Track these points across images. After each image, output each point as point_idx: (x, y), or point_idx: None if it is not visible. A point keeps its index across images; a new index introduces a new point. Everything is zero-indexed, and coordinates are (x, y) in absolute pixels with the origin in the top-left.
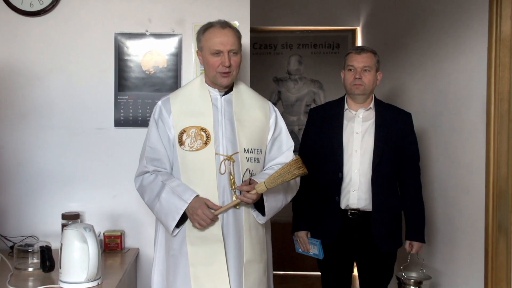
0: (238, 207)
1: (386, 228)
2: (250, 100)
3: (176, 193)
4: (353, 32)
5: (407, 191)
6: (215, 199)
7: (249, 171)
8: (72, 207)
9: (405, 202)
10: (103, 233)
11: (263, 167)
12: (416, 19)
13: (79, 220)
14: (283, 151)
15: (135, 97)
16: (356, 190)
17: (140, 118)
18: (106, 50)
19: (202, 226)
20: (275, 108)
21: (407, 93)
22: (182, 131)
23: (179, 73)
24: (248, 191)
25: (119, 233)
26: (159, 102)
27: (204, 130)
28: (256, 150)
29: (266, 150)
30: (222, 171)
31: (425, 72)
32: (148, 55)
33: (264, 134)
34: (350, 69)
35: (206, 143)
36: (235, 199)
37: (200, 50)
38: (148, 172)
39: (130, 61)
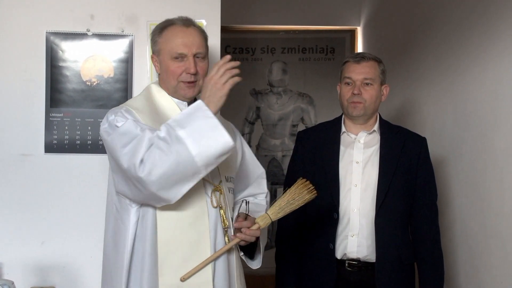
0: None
1: (394, 284)
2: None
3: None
4: (352, 33)
5: (421, 236)
6: (206, 240)
7: (246, 202)
8: None
9: (418, 251)
10: None
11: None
12: (432, 17)
13: None
14: (252, 179)
15: (73, 114)
16: (356, 235)
17: (78, 142)
18: (34, 54)
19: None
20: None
21: (419, 112)
22: None
23: (129, 85)
24: (248, 227)
25: None
26: (122, 110)
27: None
28: (232, 179)
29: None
30: (215, 204)
31: (442, 86)
32: (90, 61)
33: (235, 158)
34: (348, 83)
35: None
36: (227, 240)
37: (156, 54)
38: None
39: (67, 68)
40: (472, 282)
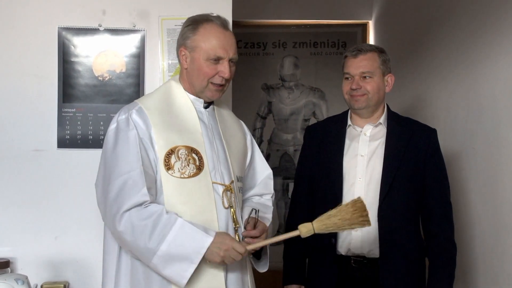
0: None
1: (400, 281)
2: (228, 116)
3: (195, 227)
4: (364, 27)
5: (432, 232)
6: None
7: (256, 211)
8: (0, 253)
9: (430, 247)
10: (41, 286)
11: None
12: (444, 11)
13: (9, 269)
14: (260, 179)
15: (85, 110)
16: (360, 229)
17: (91, 137)
18: (46, 50)
19: (232, 262)
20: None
21: (431, 106)
22: (170, 152)
23: (141, 80)
24: (257, 236)
25: (61, 286)
26: (133, 112)
27: (195, 152)
28: (241, 178)
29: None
30: (226, 205)
31: (454, 80)
32: (101, 56)
33: (245, 158)
34: (347, 77)
35: (200, 169)
36: (237, 239)
37: (188, 49)
38: (144, 202)
39: (79, 63)
40: (487, 278)
